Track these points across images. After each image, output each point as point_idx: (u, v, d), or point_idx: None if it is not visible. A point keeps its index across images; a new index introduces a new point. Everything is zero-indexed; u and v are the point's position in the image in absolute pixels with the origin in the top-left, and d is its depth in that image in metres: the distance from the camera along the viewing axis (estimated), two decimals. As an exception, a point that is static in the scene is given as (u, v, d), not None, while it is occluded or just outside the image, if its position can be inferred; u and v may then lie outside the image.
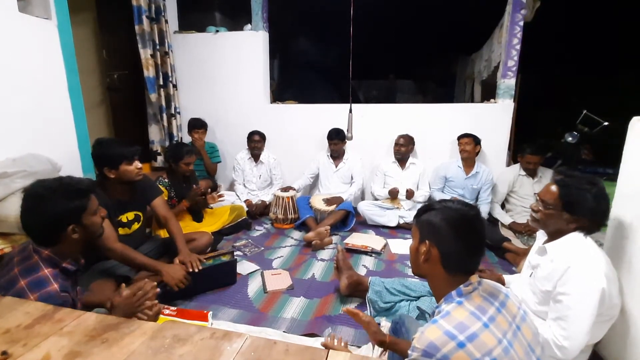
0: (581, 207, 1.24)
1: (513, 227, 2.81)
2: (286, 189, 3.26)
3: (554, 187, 1.30)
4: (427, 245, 0.90)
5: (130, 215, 2.00)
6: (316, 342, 1.56)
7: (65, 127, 2.28)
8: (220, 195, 3.04)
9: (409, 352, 0.80)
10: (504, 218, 2.95)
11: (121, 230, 1.95)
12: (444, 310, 0.83)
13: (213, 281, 2.03)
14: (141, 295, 1.18)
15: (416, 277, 1.42)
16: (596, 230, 1.27)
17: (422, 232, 0.92)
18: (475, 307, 0.81)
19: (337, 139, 3.21)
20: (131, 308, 1.16)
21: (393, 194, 3.12)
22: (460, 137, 3.12)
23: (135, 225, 2.04)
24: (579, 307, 1.15)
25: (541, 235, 1.43)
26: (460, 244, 0.87)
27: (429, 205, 0.95)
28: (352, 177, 3.35)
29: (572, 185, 1.26)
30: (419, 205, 3.54)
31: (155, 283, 1.25)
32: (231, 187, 3.55)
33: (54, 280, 1.10)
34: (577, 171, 1.45)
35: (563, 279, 1.19)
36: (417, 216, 0.97)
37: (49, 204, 1.12)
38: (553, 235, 1.33)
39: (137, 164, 1.89)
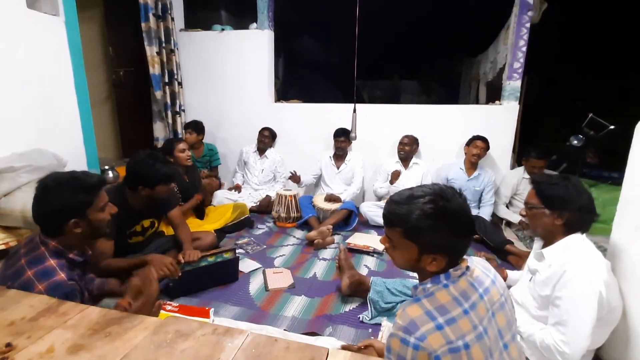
0: (559, 200, 1.26)
1: (523, 224, 2.81)
2: (293, 177, 3.29)
3: (531, 187, 1.39)
4: (428, 257, 0.86)
5: (146, 223, 2.01)
6: (317, 341, 1.56)
7: (71, 122, 2.30)
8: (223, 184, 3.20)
9: (392, 327, 0.83)
10: (512, 216, 2.95)
11: (134, 239, 1.96)
12: (429, 291, 0.86)
13: (215, 278, 2.03)
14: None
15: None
16: (588, 228, 1.28)
17: (419, 243, 0.86)
18: (459, 292, 0.84)
19: (343, 137, 3.24)
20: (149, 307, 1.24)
21: (395, 176, 3.12)
22: (475, 139, 3.04)
23: (150, 232, 2.06)
24: (577, 311, 1.14)
25: (539, 240, 1.43)
26: (450, 236, 0.84)
27: (403, 208, 0.86)
28: (352, 176, 3.36)
29: (545, 181, 1.33)
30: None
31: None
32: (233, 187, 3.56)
33: (60, 270, 1.12)
34: (582, 175, 1.47)
35: (560, 283, 1.18)
36: (395, 218, 0.88)
37: (53, 195, 1.15)
38: (546, 239, 1.34)
39: (172, 185, 1.90)
